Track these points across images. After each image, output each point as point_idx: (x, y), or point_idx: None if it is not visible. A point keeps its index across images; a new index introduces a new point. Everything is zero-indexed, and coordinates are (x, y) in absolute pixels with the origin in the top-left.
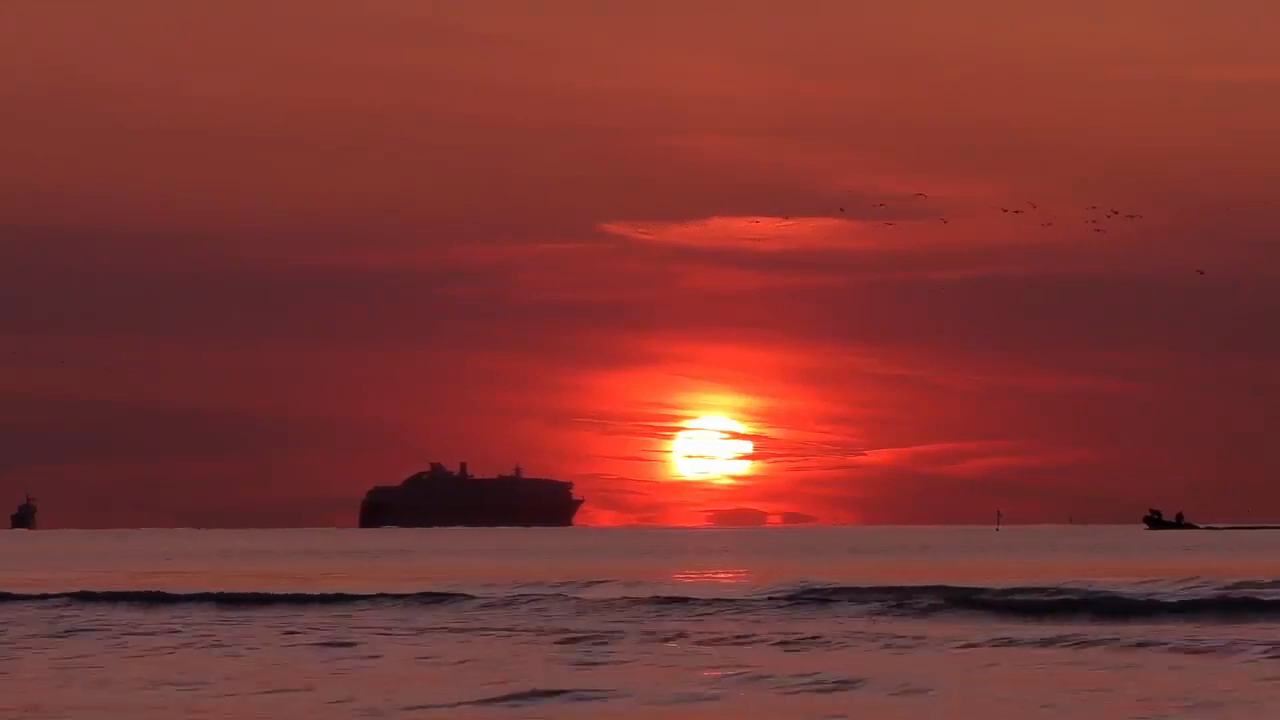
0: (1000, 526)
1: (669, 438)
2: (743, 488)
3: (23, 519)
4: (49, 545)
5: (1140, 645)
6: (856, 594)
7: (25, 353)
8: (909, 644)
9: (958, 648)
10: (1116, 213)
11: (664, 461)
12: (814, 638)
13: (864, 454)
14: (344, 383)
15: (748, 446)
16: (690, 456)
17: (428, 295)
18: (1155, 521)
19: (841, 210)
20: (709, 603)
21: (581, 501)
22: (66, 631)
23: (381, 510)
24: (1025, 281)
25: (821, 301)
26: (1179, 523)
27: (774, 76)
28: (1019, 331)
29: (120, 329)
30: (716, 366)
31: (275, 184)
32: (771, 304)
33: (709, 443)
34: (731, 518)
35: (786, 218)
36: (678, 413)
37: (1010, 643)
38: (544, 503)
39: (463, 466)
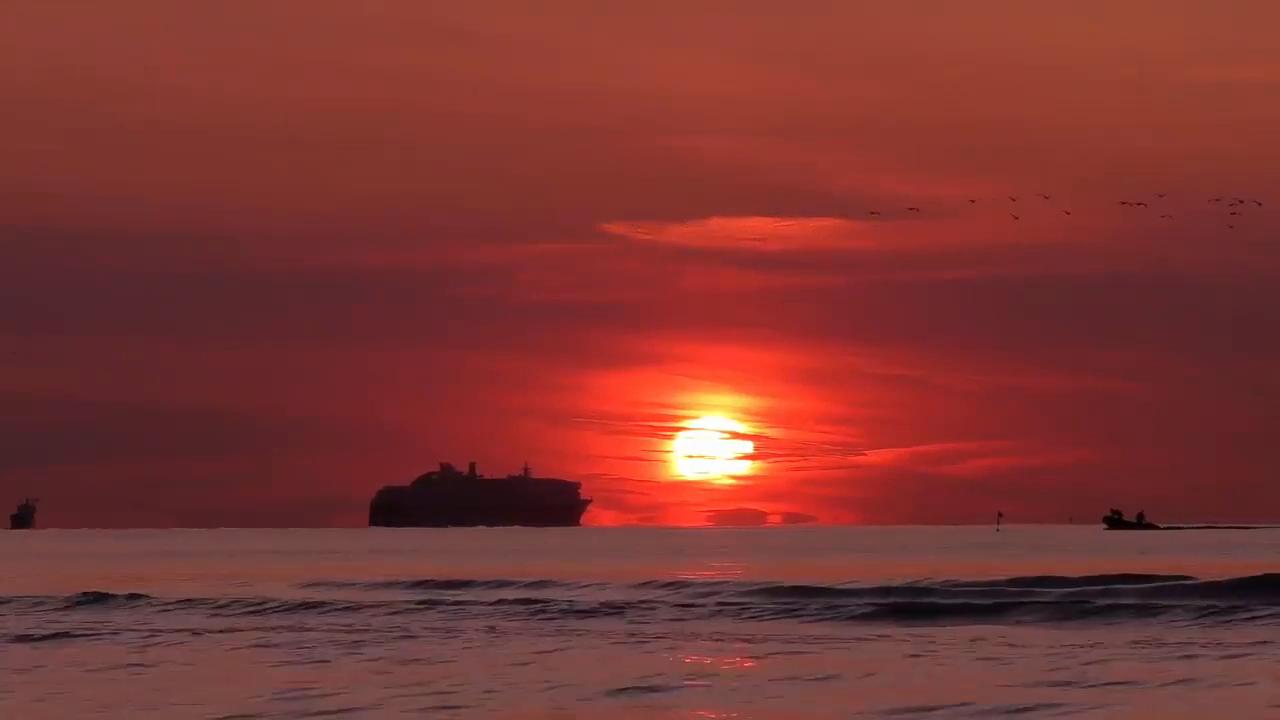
0: (1000, 526)
1: (669, 438)
2: (743, 488)
3: (22, 519)
4: None
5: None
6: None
7: (25, 353)
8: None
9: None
10: (1243, 201)
11: (664, 461)
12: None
13: (864, 454)
14: (344, 383)
15: (748, 446)
16: (691, 456)
17: (427, 295)
18: (1115, 522)
19: (842, 210)
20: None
21: (589, 501)
22: None
23: (391, 510)
24: (1025, 281)
25: (821, 301)
26: (1139, 523)
27: (774, 76)
28: (1019, 331)
29: (121, 329)
30: (717, 366)
31: (275, 184)
32: (771, 304)
33: (709, 443)
34: (732, 518)
35: (786, 218)
36: (678, 413)
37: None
38: (552, 502)
39: (472, 466)
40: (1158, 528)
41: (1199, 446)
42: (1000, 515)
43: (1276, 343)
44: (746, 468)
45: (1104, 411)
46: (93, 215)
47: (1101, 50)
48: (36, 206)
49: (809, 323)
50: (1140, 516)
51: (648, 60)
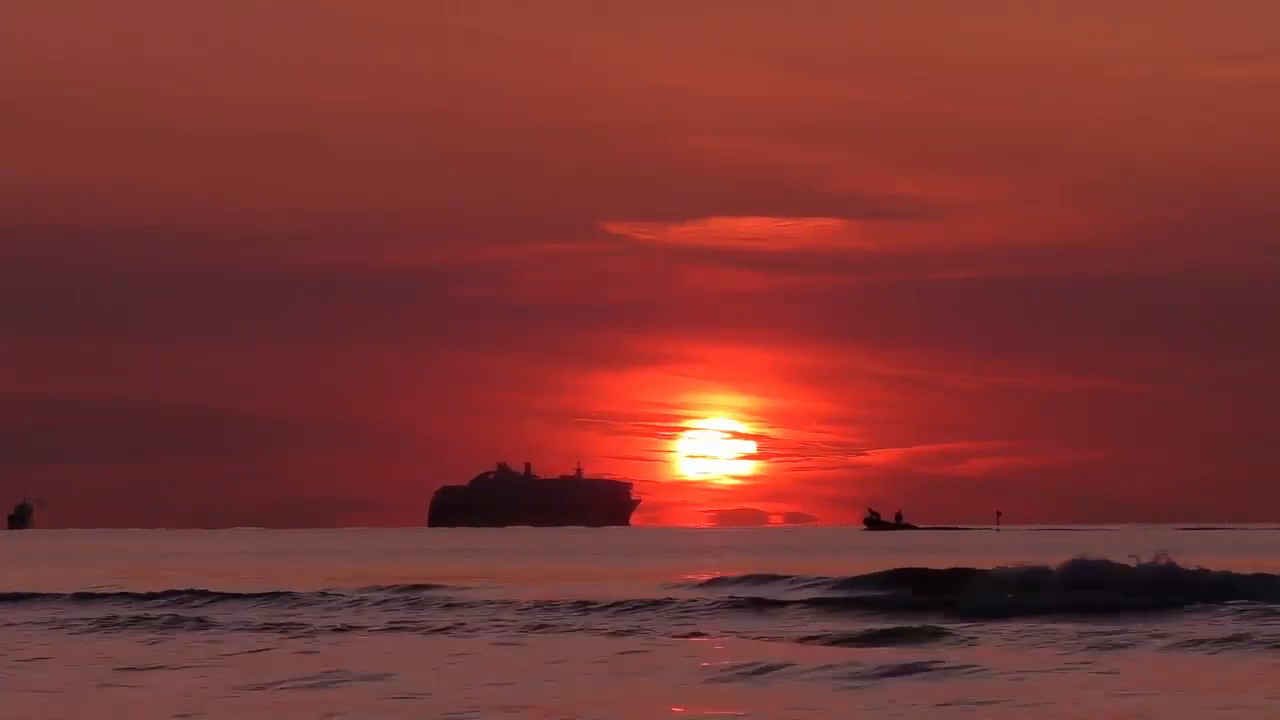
0: (999, 527)
1: (671, 438)
2: (745, 488)
3: (19, 519)
4: None
5: None
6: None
7: (25, 353)
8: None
9: None
10: None
11: (666, 462)
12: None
13: (864, 454)
14: (342, 383)
15: (750, 446)
16: (692, 456)
17: (425, 295)
18: (873, 522)
19: (842, 210)
20: None
21: (638, 501)
22: None
23: (449, 510)
24: (1025, 281)
25: (821, 301)
26: (897, 523)
27: (774, 76)
28: (1019, 331)
29: (121, 329)
30: (718, 367)
31: (276, 184)
32: (772, 304)
33: (711, 443)
34: (733, 517)
35: (786, 218)
36: (680, 413)
37: None
38: (606, 502)
39: (527, 466)
40: (916, 529)
41: (1200, 446)
42: (998, 515)
43: (1276, 343)
44: (749, 468)
45: (1104, 411)
46: (93, 215)
47: (1101, 50)
48: (37, 206)
49: (809, 323)
50: (898, 517)
51: (648, 60)
